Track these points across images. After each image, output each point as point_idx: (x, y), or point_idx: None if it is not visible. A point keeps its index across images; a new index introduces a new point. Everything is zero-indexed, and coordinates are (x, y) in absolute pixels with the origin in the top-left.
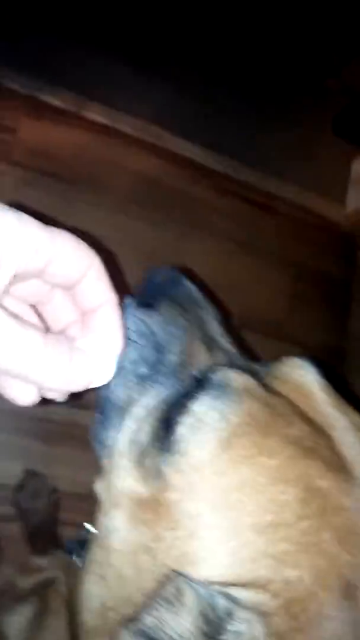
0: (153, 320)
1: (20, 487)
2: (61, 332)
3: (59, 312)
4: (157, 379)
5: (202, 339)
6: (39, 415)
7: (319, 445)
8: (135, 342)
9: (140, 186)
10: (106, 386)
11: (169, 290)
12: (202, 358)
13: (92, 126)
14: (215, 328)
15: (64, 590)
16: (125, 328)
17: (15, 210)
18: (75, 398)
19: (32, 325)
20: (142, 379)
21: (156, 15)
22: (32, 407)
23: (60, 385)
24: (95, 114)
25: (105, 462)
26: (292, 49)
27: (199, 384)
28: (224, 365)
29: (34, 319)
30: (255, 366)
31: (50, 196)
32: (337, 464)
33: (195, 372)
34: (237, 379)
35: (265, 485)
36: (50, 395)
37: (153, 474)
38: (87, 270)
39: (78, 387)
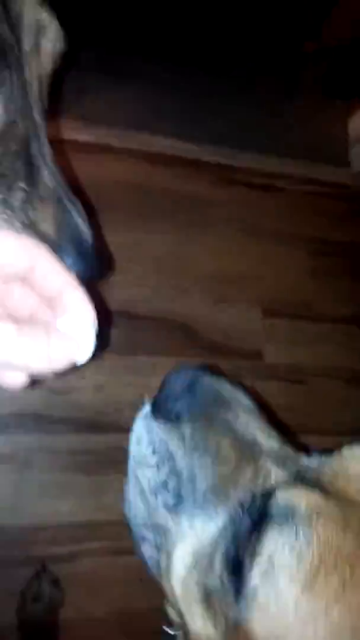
0: (174, 442)
1: (23, 592)
2: (30, 320)
3: (21, 302)
4: (186, 509)
5: (240, 450)
6: (77, 448)
7: None
8: (155, 466)
9: (135, 197)
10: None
11: (190, 397)
12: (247, 475)
13: (74, 146)
14: (252, 426)
15: None
16: None
17: None
18: (63, 375)
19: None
20: (169, 509)
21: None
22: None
23: (44, 366)
24: (74, 132)
25: (164, 585)
26: (265, 18)
27: (260, 512)
28: (277, 478)
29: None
30: (311, 461)
31: None
32: None
33: (243, 495)
34: (301, 500)
35: None
36: (41, 375)
37: (229, 624)
38: (35, 259)
39: (61, 366)
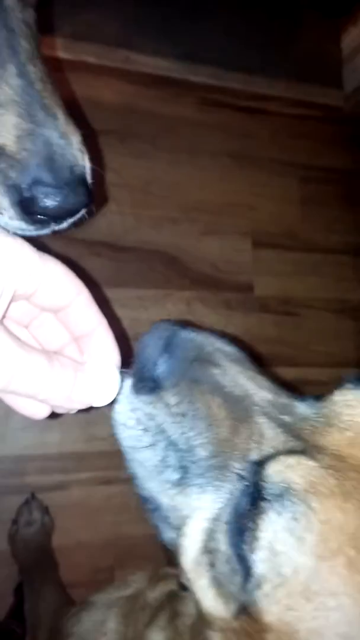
0: (161, 413)
1: (14, 520)
2: (59, 353)
3: (51, 334)
4: (192, 481)
5: (232, 409)
6: None
7: None
8: (149, 444)
9: (117, 118)
10: (138, 487)
11: (168, 358)
12: (242, 436)
13: (53, 63)
14: (241, 378)
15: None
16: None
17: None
18: (84, 412)
19: (34, 347)
20: (175, 484)
21: None
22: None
23: (66, 403)
24: (51, 49)
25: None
26: None
27: (255, 490)
28: (270, 439)
29: (32, 341)
30: (304, 409)
31: None
32: None
33: (239, 466)
34: (295, 476)
35: None
36: (59, 410)
37: (239, 607)
38: (75, 296)
39: (82, 404)
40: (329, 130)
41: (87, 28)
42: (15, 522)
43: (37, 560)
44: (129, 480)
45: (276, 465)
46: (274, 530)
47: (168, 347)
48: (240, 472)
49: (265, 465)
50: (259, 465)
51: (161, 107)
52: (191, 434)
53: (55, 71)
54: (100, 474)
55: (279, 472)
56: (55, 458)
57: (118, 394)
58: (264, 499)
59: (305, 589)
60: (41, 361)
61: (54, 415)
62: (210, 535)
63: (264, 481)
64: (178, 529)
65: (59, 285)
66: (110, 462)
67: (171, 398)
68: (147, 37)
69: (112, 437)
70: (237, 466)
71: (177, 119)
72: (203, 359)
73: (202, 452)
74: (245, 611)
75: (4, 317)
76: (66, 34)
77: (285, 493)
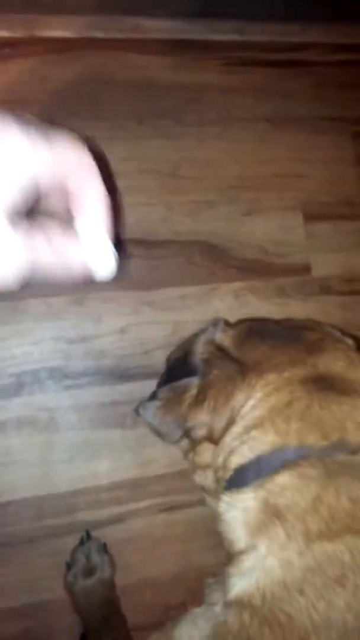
0: (149, 412)
1: (69, 563)
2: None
3: (55, 209)
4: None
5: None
6: (104, 400)
7: None
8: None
9: (134, 97)
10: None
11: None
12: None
13: (53, 46)
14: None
15: None
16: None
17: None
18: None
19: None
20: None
21: None
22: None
23: (62, 275)
24: (52, 29)
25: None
26: None
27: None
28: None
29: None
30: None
31: None
32: None
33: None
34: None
35: None
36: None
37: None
38: (76, 166)
39: (76, 270)
40: None
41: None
42: (69, 567)
43: (105, 617)
44: (193, 504)
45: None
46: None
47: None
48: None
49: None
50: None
51: (181, 76)
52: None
53: (57, 53)
54: (160, 500)
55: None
56: (107, 489)
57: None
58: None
59: None
60: (45, 248)
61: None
62: None
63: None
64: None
65: (67, 161)
66: (169, 486)
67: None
68: None
69: (168, 458)
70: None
71: (202, 87)
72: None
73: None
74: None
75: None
76: (63, 10)
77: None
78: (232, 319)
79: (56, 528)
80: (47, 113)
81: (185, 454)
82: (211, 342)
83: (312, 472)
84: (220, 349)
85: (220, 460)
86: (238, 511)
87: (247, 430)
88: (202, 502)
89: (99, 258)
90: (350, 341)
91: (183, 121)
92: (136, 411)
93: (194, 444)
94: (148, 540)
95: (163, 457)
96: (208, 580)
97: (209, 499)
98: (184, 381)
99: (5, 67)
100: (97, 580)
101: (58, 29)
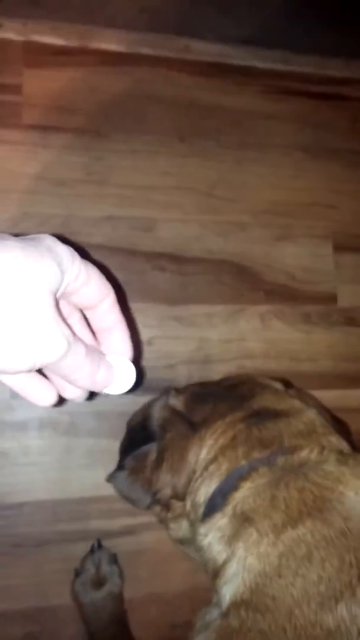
0: (118, 482)
1: (78, 571)
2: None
3: (78, 330)
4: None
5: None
6: (126, 410)
7: None
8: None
9: (177, 115)
10: None
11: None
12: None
13: (105, 58)
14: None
15: None
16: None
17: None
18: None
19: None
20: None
21: None
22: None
23: (90, 385)
24: (105, 42)
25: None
26: None
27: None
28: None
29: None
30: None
31: (77, 156)
32: None
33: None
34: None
35: None
36: (71, 395)
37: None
38: (105, 296)
39: (102, 388)
40: None
41: (140, 15)
42: (78, 574)
43: (114, 636)
44: None
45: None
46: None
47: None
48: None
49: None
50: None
51: (225, 99)
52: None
53: (106, 66)
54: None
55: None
56: (121, 499)
57: (131, 385)
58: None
59: None
60: (82, 345)
61: (60, 402)
62: None
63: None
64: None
65: (95, 287)
66: None
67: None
68: (207, 21)
69: None
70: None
71: (243, 112)
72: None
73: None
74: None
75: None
76: (117, 24)
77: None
78: (257, 341)
79: (69, 534)
80: (93, 123)
81: (159, 516)
82: (166, 407)
83: (263, 479)
84: (174, 412)
85: (189, 505)
86: (214, 531)
87: (205, 470)
88: None
89: (123, 380)
90: (278, 384)
91: (222, 143)
92: (108, 480)
93: (165, 505)
94: (157, 554)
95: None
96: (200, 613)
97: (188, 550)
98: (145, 448)
99: (58, 74)
100: (107, 593)
101: (111, 43)
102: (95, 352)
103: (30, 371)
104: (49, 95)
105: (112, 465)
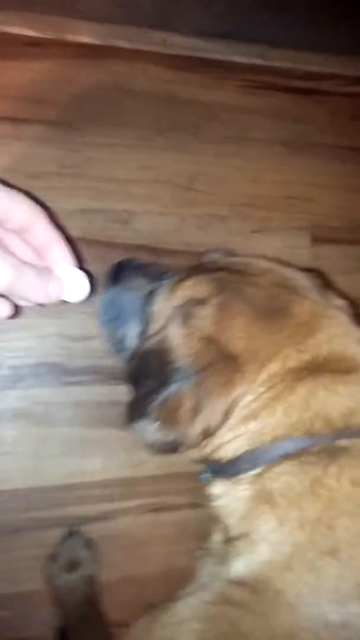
0: (114, 292)
1: (53, 556)
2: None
3: (18, 251)
4: (128, 316)
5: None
6: (102, 400)
7: None
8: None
9: (155, 109)
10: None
11: (122, 270)
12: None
13: (80, 50)
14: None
15: None
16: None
17: None
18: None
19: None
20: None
21: None
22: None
23: (44, 298)
24: (80, 34)
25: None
26: None
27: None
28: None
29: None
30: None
31: (51, 148)
32: None
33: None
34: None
35: None
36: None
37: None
38: (36, 217)
39: (56, 299)
40: None
41: (117, 8)
42: (53, 558)
43: (85, 613)
44: (182, 506)
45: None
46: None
47: (122, 265)
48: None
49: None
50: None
51: (203, 93)
52: (127, 294)
53: (81, 58)
54: (150, 500)
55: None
56: (98, 486)
57: (87, 290)
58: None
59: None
60: (28, 267)
61: (15, 314)
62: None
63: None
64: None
65: (24, 210)
66: (159, 487)
67: (120, 283)
68: (185, 15)
69: (160, 459)
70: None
71: (222, 106)
72: (139, 267)
73: (131, 301)
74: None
75: None
76: (93, 16)
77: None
78: None
79: (43, 520)
80: (67, 115)
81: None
82: (191, 327)
83: (313, 462)
84: (207, 342)
85: (209, 448)
86: (231, 499)
87: (243, 423)
88: (190, 506)
89: (76, 285)
90: (339, 301)
91: (201, 136)
92: (132, 431)
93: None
94: (134, 539)
95: (155, 458)
96: (198, 552)
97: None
98: (173, 390)
99: (30, 65)
100: (79, 575)
101: (86, 35)
102: (44, 270)
103: None
104: (21, 86)
105: (89, 453)
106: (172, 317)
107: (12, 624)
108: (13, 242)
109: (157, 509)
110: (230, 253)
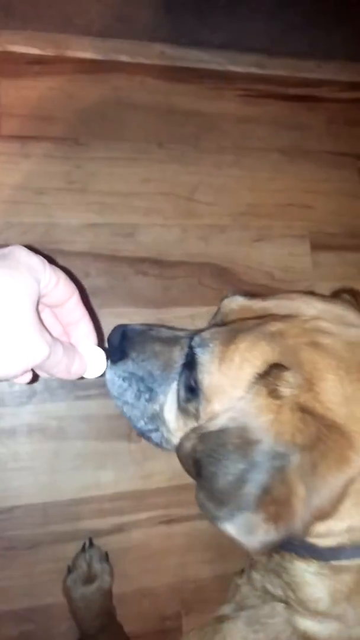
0: (130, 366)
1: (70, 569)
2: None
3: (50, 325)
4: (158, 390)
5: (167, 343)
6: (112, 413)
7: None
8: (128, 386)
9: (155, 121)
10: (132, 423)
11: (125, 340)
12: (177, 352)
13: (81, 66)
14: (169, 330)
15: None
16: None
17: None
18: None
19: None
20: (150, 399)
21: None
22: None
23: (66, 375)
24: (81, 50)
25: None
26: None
27: (188, 356)
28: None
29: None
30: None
31: (57, 165)
32: None
33: (180, 358)
34: (206, 334)
35: None
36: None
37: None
38: (71, 295)
39: (78, 376)
40: None
41: (115, 22)
42: (70, 571)
43: (102, 625)
44: (192, 517)
45: (196, 337)
46: (202, 357)
47: (124, 334)
48: (180, 361)
49: (191, 342)
50: (189, 346)
51: (201, 103)
52: (147, 366)
53: (83, 73)
54: (160, 512)
55: (199, 336)
56: (110, 499)
57: (104, 368)
58: (192, 353)
59: (221, 375)
60: (60, 344)
61: (35, 380)
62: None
63: (191, 346)
64: (162, 420)
65: (63, 288)
66: (170, 498)
67: (133, 354)
68: (182, 28)
69: (171, 471)
70: (178, 362)
71: (220, 116)
72: (145, 331)
73: (157, 371)
74: (198, 414)
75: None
76: (92, 31)
77: (200, 341)
78: None
79: (59, 535)
80: (72, 132)
81: None
82: (278, 397)
83: None
84: (300, 411)
85: (310, 537)
86: (326, 578)
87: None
88: (201, 517)
89: (96, 366)
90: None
91: (200, 147)
92: (225, 527)
93: None
94: (146, 550)
95: (166, 470)
96: (238, 580)
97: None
98: (275, 475)
99: (34, 83)
100: (96, 588)
101: (87, 51)
102: (70, 347)
103: (18, 376)
104: (26, 105)
105: (101, 466)
106: (248, 388)
107: (35, 637)
108: (46, 314)
109: (169, 521)
110: (249, 293)
